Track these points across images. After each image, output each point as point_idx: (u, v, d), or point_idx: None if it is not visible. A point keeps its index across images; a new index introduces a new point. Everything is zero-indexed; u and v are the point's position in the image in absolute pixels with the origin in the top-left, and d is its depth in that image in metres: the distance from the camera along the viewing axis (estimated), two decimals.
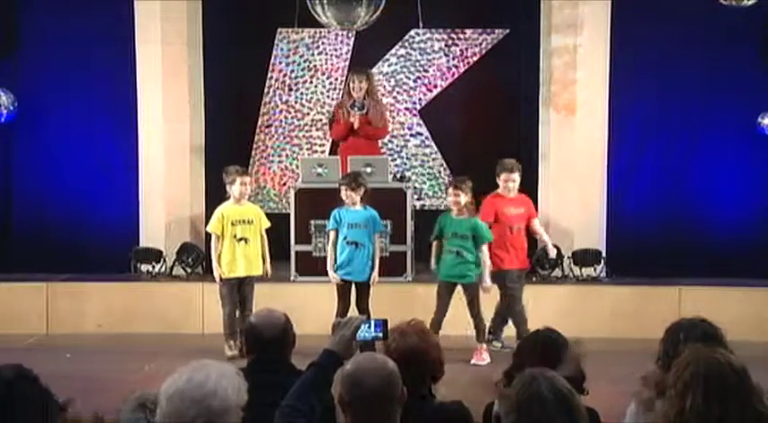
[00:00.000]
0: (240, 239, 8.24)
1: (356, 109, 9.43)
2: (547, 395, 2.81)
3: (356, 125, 9.35)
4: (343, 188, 8.14)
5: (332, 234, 8.24)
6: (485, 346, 8.02)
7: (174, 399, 2.71)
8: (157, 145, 9.93)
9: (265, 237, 8.39)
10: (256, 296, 8.28)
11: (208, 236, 8.98)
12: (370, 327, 3.40)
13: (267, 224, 8.46)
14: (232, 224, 8.25)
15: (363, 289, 8.14)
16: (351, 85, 9.47)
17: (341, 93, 11.03)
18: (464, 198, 8.06)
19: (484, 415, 3.89)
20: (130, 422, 3.24)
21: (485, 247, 8.02)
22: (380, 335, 3.41)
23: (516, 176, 8.30)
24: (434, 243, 8.19)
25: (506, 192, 8.30)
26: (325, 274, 8.27)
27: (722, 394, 2.80)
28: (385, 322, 3.46)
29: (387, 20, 8.30)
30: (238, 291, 8.26)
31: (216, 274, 8.29)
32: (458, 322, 8.28)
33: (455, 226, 8.08)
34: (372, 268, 8.14)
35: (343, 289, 8.15)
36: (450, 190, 8.19)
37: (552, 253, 8.67)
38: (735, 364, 2.88)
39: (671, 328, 3.80)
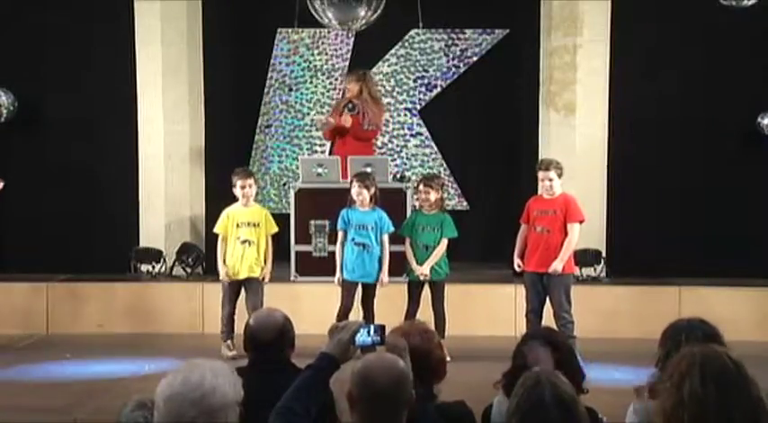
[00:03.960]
0: (243, 241, 8.21)
1: (347, 110, 9.47)
2: (550, 401, 2.81)
3: (334, 122, 9.41)
4: (356, 185, 8.11)
5: (340, 234, 8.21)
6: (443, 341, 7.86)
7: (172, 401, 2.71)
8: (157, 145, 9.93)
9: (270, 241, 8.35)
10: None
11: (208, 236, 8.97)
12: (368, 332, 3.39)
13: (274, 229, 8.38)
14: (237, 226, 8.23)
15: (370, 290, 8.14)
16: (347, 85, 9.60)
17: (341, 93, 11.05)
18: (434, 195, 8.12)
19: (483, 416, 3.90)
20: (130, 420, 3.26)
21: (444, 240, 8.09)
22: (379, 339, 3.40)
23: (544, 174, 7.88)
24: (408, 243, 8.22)
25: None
26: (326, 274, 8.27)
27: (719, 379, 2.79)
28: (383, 328, 3.44)
29: (387, 20, 8.30)
30: (241, 292, 8.25)
31: (221, 274, 8.25)
32: (458, 322, 8.29)
33: (426, 221, 8.17)
34: (380, 270, 8.14)
35: (348, 289, 8.12)
36: (421, 187, 8.22)
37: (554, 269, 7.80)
38: (731, 356, 2.89)
39: (669, 331, 3.78)
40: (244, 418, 2.83)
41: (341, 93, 9.78)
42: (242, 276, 8.21)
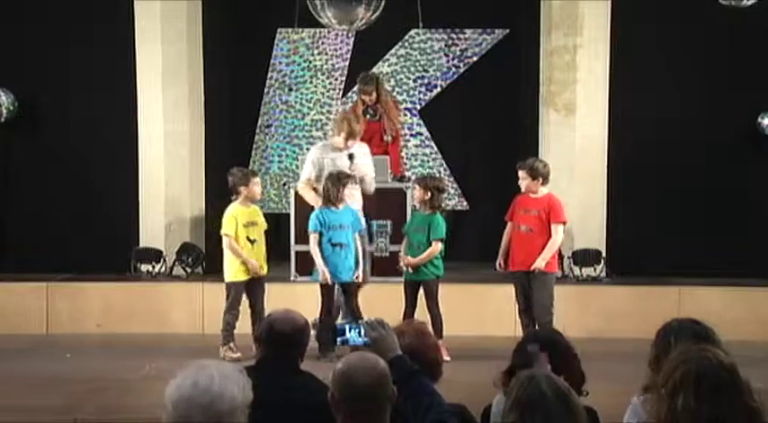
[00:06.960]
0: (251, 241, 8.20)
1: (368, 116, 9.44)
2: (547, 393, 2.81)
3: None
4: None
5: (314, 236, 8.02)
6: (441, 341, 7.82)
7: (181, 405, 2.71)
8: (157, 145, 9.93)
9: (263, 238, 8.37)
10: None
11: (208, 236, 8.93)
12: (359, 332, 3.39)
13: (265, 226, 8.41)
14: (243, 226, 8.22)
15: (350, 289, 8.08)
16: (362, 95, 9.45)
17: (341, 93, 11.04)
18: (418, 194, 8.13)
19: (482, 416, 3.89)
20: None
21: (434, 243, 8.04)
22: (369, 340, 3.40)
23: (520, 174, 8.00)
24: (405, 240, 8.28)
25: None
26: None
27: (713, 394, 2.80)
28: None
29: (387, 20, 8.29)
30: (247, 292, 8.21)
31: (253, 267, 8.10)
32: (458, 322, 8.29)
33: (417, 221, 8.21)
34: (356, 267, 8.10)
35: (326, 289, 8.01)
36: (416, 186, 8.25)
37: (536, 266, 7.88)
38: (725, 362, 2.88)
39: (661, 331, 3.79)
40: (251, 418, 2.83)
41: (358, 98, 9.65)
42: (248, 276, 8.15)
